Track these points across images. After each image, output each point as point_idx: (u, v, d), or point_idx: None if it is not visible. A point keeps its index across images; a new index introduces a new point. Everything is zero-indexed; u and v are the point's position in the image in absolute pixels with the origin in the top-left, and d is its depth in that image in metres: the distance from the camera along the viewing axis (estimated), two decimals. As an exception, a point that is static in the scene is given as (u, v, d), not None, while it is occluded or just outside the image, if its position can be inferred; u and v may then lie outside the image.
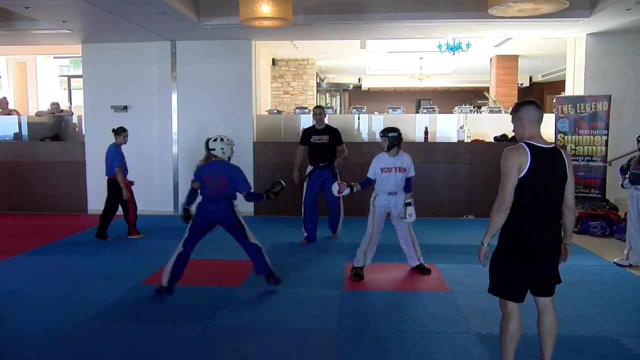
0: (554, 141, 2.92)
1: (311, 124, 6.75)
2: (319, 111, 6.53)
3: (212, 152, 4.58)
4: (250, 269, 5.35)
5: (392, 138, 4.87)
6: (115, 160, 6.49)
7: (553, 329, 2.94)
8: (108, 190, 6.66)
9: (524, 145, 2.75)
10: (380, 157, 4.94)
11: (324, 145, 6.40)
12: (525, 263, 2.78)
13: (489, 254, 2.90)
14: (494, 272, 2.88)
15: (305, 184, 6.46)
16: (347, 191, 4.95)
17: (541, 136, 2.81)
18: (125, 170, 6.63)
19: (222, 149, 4.57)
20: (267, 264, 4.66)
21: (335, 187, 5.02)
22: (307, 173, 6.48)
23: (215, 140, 4.60)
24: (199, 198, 4.65)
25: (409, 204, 4.91)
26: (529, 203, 2.73)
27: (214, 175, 4.50)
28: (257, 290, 4.69)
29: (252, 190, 4.77)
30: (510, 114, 2.90)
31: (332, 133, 6.50)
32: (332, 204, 6.49)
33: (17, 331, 3.80)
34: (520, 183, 2.72)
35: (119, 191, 6.55)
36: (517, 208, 2.75)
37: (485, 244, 2.83)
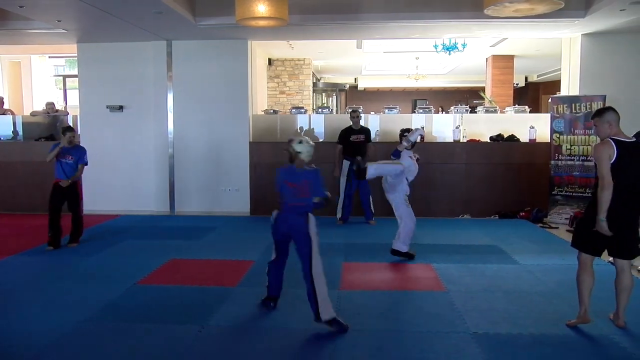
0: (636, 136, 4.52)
1: (348, 125, 7.64)
2: (356, 115, 7.60)
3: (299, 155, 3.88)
4: (247, 268, 5.35)
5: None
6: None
7: (628, 286, 3.63)
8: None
9: (610, 140, 3.49)
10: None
11: (359, 143, 7.46)
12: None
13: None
14: (577, 229, 3.82)
15: (342, 178, 7.51)
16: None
17: (623, 132, 3.58)
18: (57, 170, 6.20)
19: (308, 152, 3.89)
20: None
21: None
22: (349, 168, 7.33)
23: (300, 143, 3.88)
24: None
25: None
26: (616, 184, 3.44)
27: (295, 181, 3.88)
28: (254, 290, 4.68)
29: None
30: (593, 118, 3.69)
31: (366, 132, 7.65)
32: (361, 192, 7.56)
33: (14, 332, 3.78)
34: (611, 169, 3.45)
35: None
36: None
37: (603, 219, 3.48)
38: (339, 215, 7.65)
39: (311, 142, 3.93)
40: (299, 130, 8.92)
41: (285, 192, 3.92)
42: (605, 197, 3.46)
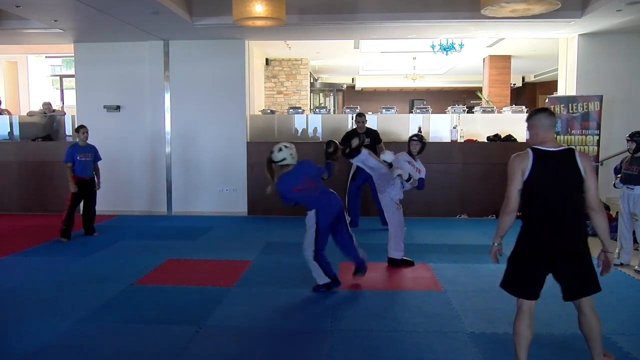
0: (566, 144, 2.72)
1: (353, 128, 7.39)
2: (361, 119, 7.26)
3: (282, 162, 4.46)
4: (244, 268, 5.35)
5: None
6: (65, 157, 6.70)
7: (591, 330, 2.94)
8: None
9: (529, 150, 2.87)
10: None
11: (365, 147, 6.92)
12: (533, 263, 2.88)
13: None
14: (506, 268, 3.01)
15: (348, 181, 7.29)
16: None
17: (553, 140, 2.91)
18: (77, 167, 6.69)
19: (291, 154, 4.47)
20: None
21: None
22: (352, 172, 7.21)
23: (280, 150, 4.45)
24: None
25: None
26: (538, 205, 2.85)
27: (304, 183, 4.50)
28: (251, 291, 4.69)
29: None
30: (526, 121, 2.99)
31: (372, 134, 7.28)
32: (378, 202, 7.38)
33: (10, 332, 3.77)
34: (526, 186, 2.84)
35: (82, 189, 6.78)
36: (528, 210, 2.89)
37: (496, 244, 2.99)
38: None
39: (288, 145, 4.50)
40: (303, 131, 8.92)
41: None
42: (505, 222, 2.90)
